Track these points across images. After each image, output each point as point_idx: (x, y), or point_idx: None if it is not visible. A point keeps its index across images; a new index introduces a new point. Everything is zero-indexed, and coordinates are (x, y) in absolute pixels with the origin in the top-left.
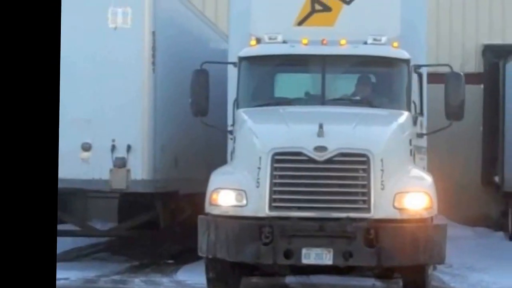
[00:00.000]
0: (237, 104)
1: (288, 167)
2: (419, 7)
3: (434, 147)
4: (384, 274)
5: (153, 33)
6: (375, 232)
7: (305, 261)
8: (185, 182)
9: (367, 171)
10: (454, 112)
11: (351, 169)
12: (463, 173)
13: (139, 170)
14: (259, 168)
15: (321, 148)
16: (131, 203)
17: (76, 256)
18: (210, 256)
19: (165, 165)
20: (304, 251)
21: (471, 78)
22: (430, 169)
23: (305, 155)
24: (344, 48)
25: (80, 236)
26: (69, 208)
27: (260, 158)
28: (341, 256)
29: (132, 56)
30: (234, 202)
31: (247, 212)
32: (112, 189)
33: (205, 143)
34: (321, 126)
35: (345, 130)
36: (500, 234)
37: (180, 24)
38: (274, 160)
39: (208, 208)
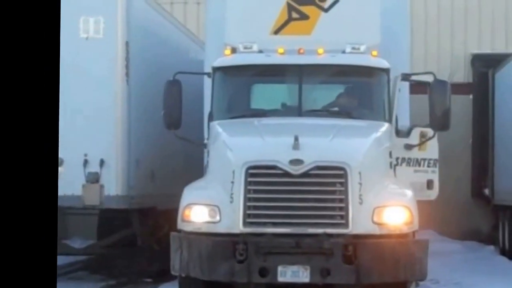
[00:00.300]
0: (211, 116)
1: (263, 181)
2: (400, 14)
3: None
4: None
5: (127, 43)
6: (353, 248)
7: (281, 279)
8: (163, 198)
9: (344, 184)
10: (440, 122)
11: (328, 182)
12: (452, 186)
13: (113, 186)
14: (232, 182)
15: (296, 162)
16: (111, 219)
17: None
18: (183, 275)
19: (141, 180)
20: (280, 268)
21: (460, 88)
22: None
23: (280, 168)
24: (322, 58)
25: None
26: None
27: (233, 172)
28: (319, 273)
29: (105, 67)
30: (207, 218)
31: (221, 228)
32: (85, 205)
33: (184, 157)
34: (296, 139)
35: (322, 142)
36: (491, 248)
37: (155, 33)
38: (248, 174)
39: (180, 225)
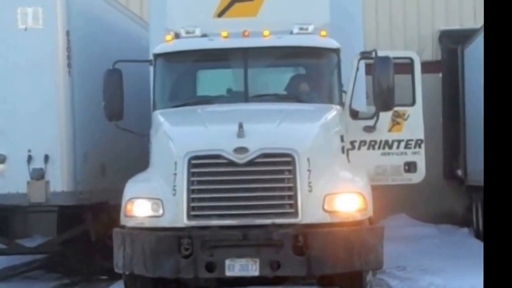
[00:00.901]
0: (153, 106)
1: (206, 171)
2: None
3: None
4: (325, 281)
5: (68, 32)
6: (304, 239)
7: (229, 273)
8: (116, 192)
9: (292, 172)
10: (383, 100)
11: (275, 170)
12: None
13: (59, 182)
14: (175, 174)
15: (241, 150)
16: (70, 216)
17: (6, 276)
18: (127, 272)
19: (90, 174)
20: (227, 262)
21: (428, 66)
22: None
23: (224, 157)
24: (267, 40)
25: (6, 254)
26: (7, 224)
27: (175, 163)
28: (268, 266)
29: (45, 58)
30: (150, 213)
31: (164, 222)
32: (30, 203)
33: (138, 150)
34: (241, 126)
35: (268, 128)
36: (465, 230)
37: (100, 21)
38: (191, 165)
39: (123, 220)
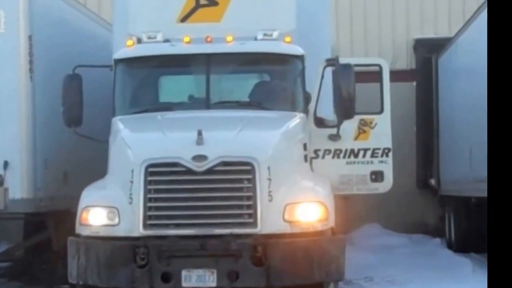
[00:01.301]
0: (113, 112)
1: (164, 179)
2: None
3: None
4: None
5: (30, 37)
6: (263, 249)
7: (185, 284)
8: (78, 200)
9: (252, 181)
10: (344, 109)
11: (235, 179)
12: (397, 177)
13: (18, 188)
14: (131, 182)
15: (200, 157)
16: (35, 224)
17: None
18: (81, 283)
19: (51, 181)
20: (184, 273)
21: (402, 75)
22: None
23: (182, 165)
24: (230, 46)
25: None
26: None
27: (132, 170)
28: (226, 277)
29: (7, 62)
30: (106, 221)
31: (120, 231)
32: None
33: (103, 157)
34: (200, 133)
35: (228, 136)
36: (437, 241)
37: (64, 24)
38: (148, 173)
39: (78, 229)
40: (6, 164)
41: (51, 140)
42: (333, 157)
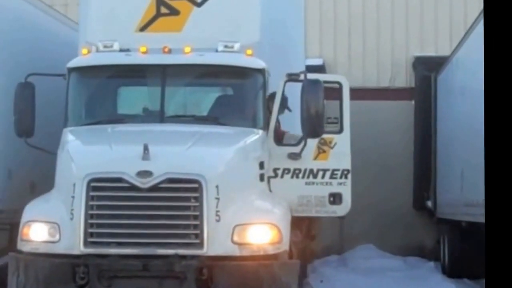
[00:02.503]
0: (65, 122)
1: (107, 195)
2: (292, 7)
3: (362, 169)
4: None
5: None
6: (208, 272)
7: None
8: None
9: (199, 199)
10: (311, 127)
11: (181, 197)
12: (393, 197)
13: None
14: (73, 197)
15: (145, 173)
16: None
17: None
18: None
19: (15, 192)
20: None
21: (401, 93)
22: (352, 193)
23: (126, 181)
24: (187, 57)
25: None
26: None
27: (74, 185)
28: None
29: None
30: (47, 237)
31: (60, 249)
32: None
33: None
34: (146, 148)
35: (176, 152)
36: (431, 265)
37: (29, 27)
38: (90, 188)
39: (19, 244)
40: None
41: (15, 148)
42: (292, 176)
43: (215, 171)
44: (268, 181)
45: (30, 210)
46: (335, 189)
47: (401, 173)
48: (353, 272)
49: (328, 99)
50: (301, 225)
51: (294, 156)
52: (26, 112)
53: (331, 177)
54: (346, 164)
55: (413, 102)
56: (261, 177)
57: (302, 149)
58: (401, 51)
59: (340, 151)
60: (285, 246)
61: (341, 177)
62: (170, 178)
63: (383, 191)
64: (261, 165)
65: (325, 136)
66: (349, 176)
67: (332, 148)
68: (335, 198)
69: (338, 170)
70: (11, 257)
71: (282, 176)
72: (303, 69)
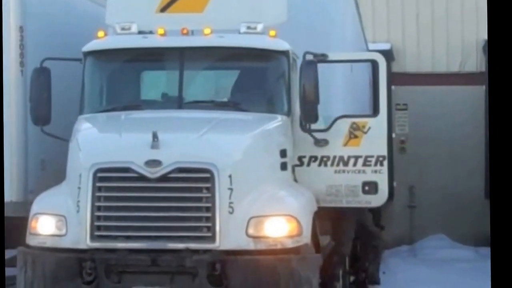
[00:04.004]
0: (80, 109)
1: (114, 186)
2: None
3: (433, 157)
4: None
5: (21, 28)
6: (221, 267)
7: None
8: None
9: (211, 190)
10: (310, 112)
11: (191, 188)
12: (465, 186)
13: (8, 191)
14: (79, 188)
15: (153, 163)
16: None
17: None
18: None
19: (48, 183)
20: None
21: (472, 78)
22: (423, 182)
23: (134, 171)
24: (207, 39)
25: None
26: None
27: (80, 175)
28: None
29: None
30: (54, 231)
31: (66, 243)
32: None
33: None
34: (155, 136)
35: (188, 139)
36: None
37: (60, 13)
38: (97, 178)
39: (28, 238)
40: None
41: (49, 138)
42: (320, 165)
43: (229, 159)
44: (293, 170)
45: (39, 202)
46: (369, 177)
47: (472, 161)
48: (420, 263)
49: (396, 84)
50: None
51: (321, 143)
52: (42, 99)
53: (364, 164)
54: (382, 150)
55: (484, 87)
56: (283, 166)
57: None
58: (471, 34)
59: (375, 135)
60: (305, 240)
61: (375, 164)
62: (180, 168)
63: (454, 179)
64: (283, 153)
65: (357, 120)
66: (385, 163)
67: (365, 133)
68: (370, 187)
69: (372, 156)
70: (19, 251)
71: (308, 165)
72: (342, 50)
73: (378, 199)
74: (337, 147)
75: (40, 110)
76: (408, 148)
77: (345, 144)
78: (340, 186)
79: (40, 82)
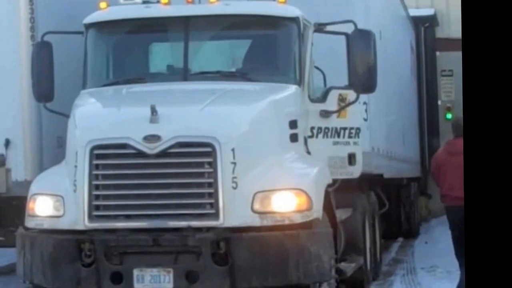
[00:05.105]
0: (83, 84)
1: (112, 164)
2: None
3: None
4: None
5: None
6: (226, 245)
7: (138, 285)
8: None
9: (213, 165)
10: (361, 82)
11: (193, 163)
12: None
13: (22, 170)
14: (76, 166)
15: (152, 138)
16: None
17: None
18: (27, 282)
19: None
20: (136, 272)
21: None
22: None
23: (132, 147)
24: (212, 7)
25: None
26: None
27: (76, 153)
28: (184, 277)
29: (6, 28)
30: (52, 212)
31: (64, 224)
32: None
33: None
34: (153, 109)
35: (189, 112)
36: None
37: None
38: (94, 156)
39: (26, 220)
40: (8, 143)
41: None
42: (324, 136)
43: (231, 132)
44: (305, 142)
45: (37, 182)
46: (352, 148)
47: None
48: None
49: (440, 50)
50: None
51: (327, 114)
52: (44, 75)
53: (349, 136)
54: (357, 121)
55: None
56: (293, 137)
57: (345, 107)
58: None
59: (354, 107)
60: (316, 214)
61: (355, 136)
62: (180, 142)
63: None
64: (293, 124)
65: (342, 91)
66: (360, 134)
67: (347, 105)
68: (352, 159)
69: (353, 128)
70: (18, 234)
71: (317, 136)
72: (363, 21)
73: (356, 170)
74: (333, 118)
75: (42, 86)
76: (454, 115)
77: (338, 116)
78: (337, 158)
79: (42, 57)
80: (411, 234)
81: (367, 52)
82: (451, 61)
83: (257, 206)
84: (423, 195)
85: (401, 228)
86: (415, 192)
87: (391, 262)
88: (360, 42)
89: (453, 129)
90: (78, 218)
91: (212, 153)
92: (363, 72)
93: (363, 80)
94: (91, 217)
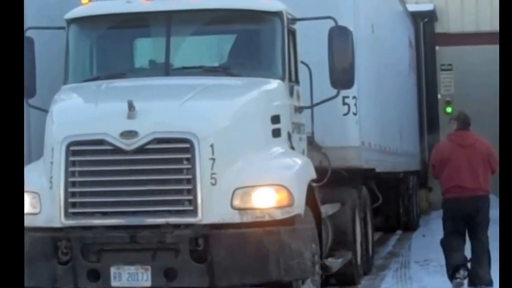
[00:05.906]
0: (64, 79)
1: (88, 160)
2: None
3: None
4: None
5: None
6: (205, 242)
7: (115, 283)
8: None
9: (191, 161)
10: (340, 78)
11: (171, 159)
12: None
13: None
14: (51, 163)
15: (129, 134)
16: None
17: None
18: None
19: None
20: (113, 270)
21: None
22: None
23: (109, 143)
24: (194, 2)
25: None
26: None
27: (52, 149)
28: (162, 275)
29: None
30: (28, 209)
31: (40, 221)
32: None
33: None
34: (131, 105)
35: (167, 107)
36: None
37: None
38: (70, 152)
39: None
40: None
41: None
42: (298, 132)
43: (210, 128)
44: (289, 137)
45: None
46: None
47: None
48: None
49: (440, 45)
50: None
51: (298, 109)
52: (26, 70)
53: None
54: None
55: None
56: (275, 133)
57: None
58: None
59: None
60: (297, 210)
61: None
62: (158, 138)
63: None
64: (275, 119)
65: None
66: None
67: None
68: None
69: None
70: None
71: (293, 131)
72: (351, 16)
73: None
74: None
75: (25, 81)
76: (454, 109)
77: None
78: None
79: (24, 53)
80: (410, 227)
81: (345, 48)
82: (451, 56)
83: (236, 203)
84: (423, 188)
85: (400, 221)
86: (414, 185)
87: (387, 256)
88: (338, 38)
89: (458, 122)
90: (54, 215)
91: (190, 149)
92: (340, 68)
93: (341, 76)
94: (67, 214)
